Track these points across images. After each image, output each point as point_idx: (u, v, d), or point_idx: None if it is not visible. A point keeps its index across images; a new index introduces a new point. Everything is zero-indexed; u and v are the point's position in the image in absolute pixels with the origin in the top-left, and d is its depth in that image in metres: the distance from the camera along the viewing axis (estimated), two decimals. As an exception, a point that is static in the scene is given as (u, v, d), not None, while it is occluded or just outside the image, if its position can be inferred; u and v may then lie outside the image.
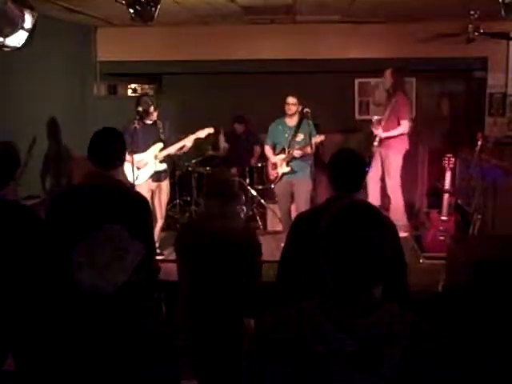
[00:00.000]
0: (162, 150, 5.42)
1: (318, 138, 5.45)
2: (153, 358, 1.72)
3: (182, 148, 5.47)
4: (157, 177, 5.48)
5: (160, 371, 1.73)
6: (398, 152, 5.94)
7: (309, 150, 5.43)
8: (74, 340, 1.69)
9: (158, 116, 5.36)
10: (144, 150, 5.34)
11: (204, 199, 3.37)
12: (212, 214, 3.09)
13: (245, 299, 3.12)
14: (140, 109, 5.18)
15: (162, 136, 5.40)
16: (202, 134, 5.53)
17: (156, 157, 5.40)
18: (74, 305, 1.75)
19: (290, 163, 5.59)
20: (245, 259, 3.01)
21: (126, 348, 1.69)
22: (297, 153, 5.50)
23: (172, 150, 5.44)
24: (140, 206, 2.98)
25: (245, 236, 3.11)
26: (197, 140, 5.59)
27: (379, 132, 5.88)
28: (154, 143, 5.40)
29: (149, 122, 5.31)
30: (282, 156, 5.64)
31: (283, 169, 5.65)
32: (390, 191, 6.04)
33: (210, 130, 5.60)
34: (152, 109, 5.25)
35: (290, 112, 5.62)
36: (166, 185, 5.63)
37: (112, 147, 2.93)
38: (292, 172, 5.61)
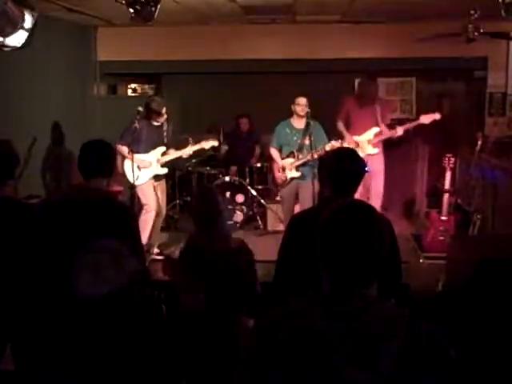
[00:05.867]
0: (163, 153, 5.45)
1: (334, 145, 5.05)
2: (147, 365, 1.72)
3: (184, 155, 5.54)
4: (157, 178, 5.53)
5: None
6: (383, 151, 5.89)
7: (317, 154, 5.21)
8: (66, 343, 1.69)
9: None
10: (146, 150, 5.36)
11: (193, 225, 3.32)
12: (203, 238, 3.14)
13: (244, 302, 3.17)
14: (154, 107, 5.21)
15: (166, 139, 5.43)
16: (207, 145, 5.59)
17: (158, 161, 5.42)
18: (68, 308, 1.78)
19: (300, 168, 5.39)
20: (243, 274, 3.11)
21: (120, 352, 1.68)
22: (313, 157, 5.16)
23: (174, 156, 5.48)
24: (122, 213, 2.99)
25: (238, 251, 3.17)
26: (200, 150, 5.63)
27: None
28: (157, 145, 5.41)
29: (155, 123, 5.32)
30: (291, 160, 5.44)
31: (292, 173, 5.43)
32: (374, 193, 5.83)
33: (215, 143, 5.66)
34: (164, 110, 5.27)
35: (302, 113, 5.36)
36: (161, 184, 5.63)
37: (93, 160, 2.95)
38: (301, 176, 5.41)
